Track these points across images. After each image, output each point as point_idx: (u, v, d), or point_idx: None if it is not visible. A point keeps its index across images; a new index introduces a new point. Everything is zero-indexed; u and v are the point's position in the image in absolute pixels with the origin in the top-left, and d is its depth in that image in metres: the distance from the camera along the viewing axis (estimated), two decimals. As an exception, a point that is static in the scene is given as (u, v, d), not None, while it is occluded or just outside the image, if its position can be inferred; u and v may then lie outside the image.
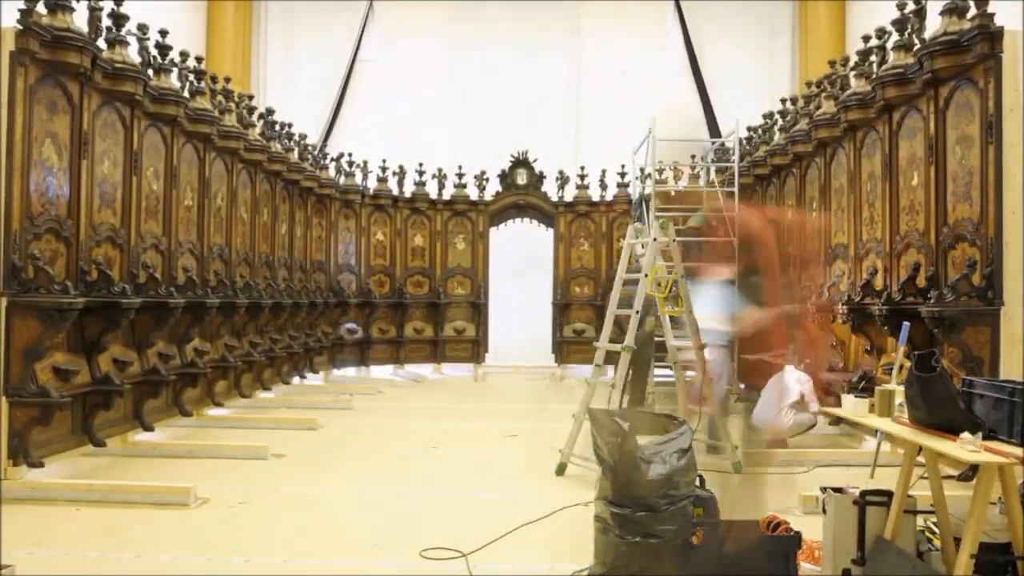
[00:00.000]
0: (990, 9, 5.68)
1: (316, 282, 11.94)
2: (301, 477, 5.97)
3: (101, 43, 6.50)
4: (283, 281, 10.66)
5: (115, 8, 6.73)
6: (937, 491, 3.90)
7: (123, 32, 6.81)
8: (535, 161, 13.91)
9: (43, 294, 5.60)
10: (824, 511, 4.01)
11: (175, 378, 7.40)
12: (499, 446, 7.16)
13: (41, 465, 5.60)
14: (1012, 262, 5.46)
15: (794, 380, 6.72)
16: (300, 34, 15.66)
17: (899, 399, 3.83)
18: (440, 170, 13.82)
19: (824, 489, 4.07)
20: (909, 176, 6.84)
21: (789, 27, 15.38)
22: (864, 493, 3.93)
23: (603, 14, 15.47)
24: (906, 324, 4.22)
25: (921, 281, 6.38)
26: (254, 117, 9.85)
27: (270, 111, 10.63)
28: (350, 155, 13.12)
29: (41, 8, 5.82)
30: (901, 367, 4.01)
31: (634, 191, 12.18)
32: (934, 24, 6.30)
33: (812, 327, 6.71)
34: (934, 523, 4.01)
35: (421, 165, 13.63)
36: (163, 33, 7.51)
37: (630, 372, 5.88)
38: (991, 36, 5.61)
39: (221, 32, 14.79)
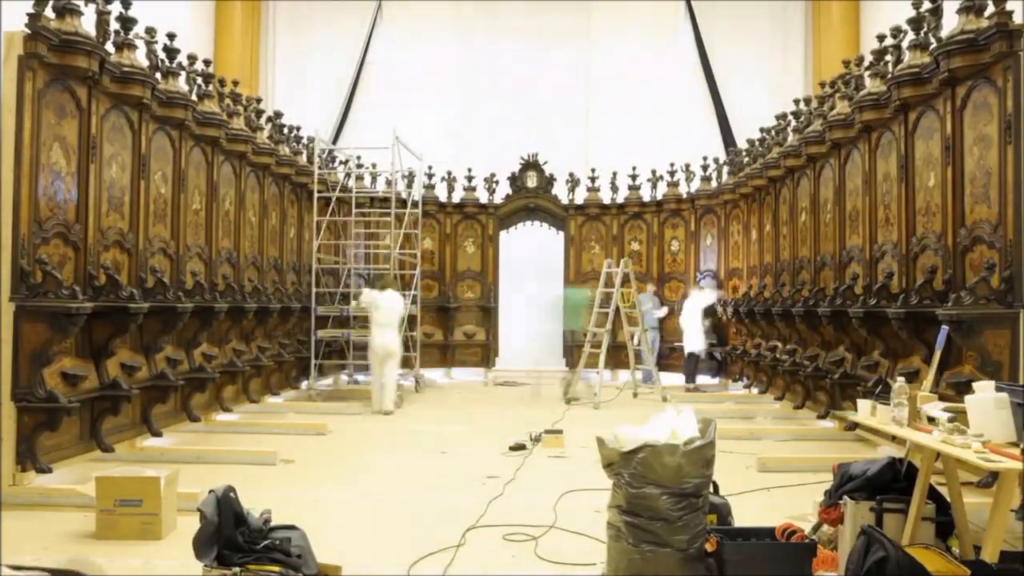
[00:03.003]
0: (1008, 7, 5.57)
1: (325, 285, 11.91)
2: (310, 482, 5.92)
3: (109, 47, 6.50)
4: (291, 285, 10.64)
5: (123, 12, 6.72)
6: (956, 498, 3.82)
7: (131, 36, 6.81)
8: (545, 164, 13.86)
9: (51, 299, 5.58)
10: (841, 519, 3.94)
11: (183, 383, 7.38)
12: (507, 451, 7.08)
13: (49, 471, 5.59)
14: (1031, 264, 5.34)
15: None
16: (309, 35, 15.66)
17: (922, 404, 3.75)
18: (449, 173, 13.79)
19: (841, 496, 3.99)
20: (925, 177, 6.74)
21: (802, 27, 15.26)
22: (881, 500, 3.86)
23: (613, 15, 15.40)
24: (944, 328, 4.12)
25: (938, 284, 6.28)
26: (262, 120, 9.85)
27: (278, 114, 10.62)
28: (359, 158, 13.10)
29: (49, 12, 5.80)
30: (940, 373, 3.91)
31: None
32: (951, 23, 6.20)
33: None
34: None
35: (430, 168, 13.60)
36: (171, 36, 7.50)
37: None
38: (1009, 34, 5.51)
39: (229, 33, 14.82)
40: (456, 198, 13.84)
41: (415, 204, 12.22)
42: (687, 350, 11.79)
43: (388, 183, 11.83)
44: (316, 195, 10.81)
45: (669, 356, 12.88)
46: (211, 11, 14.83)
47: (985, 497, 4.64)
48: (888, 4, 9.62)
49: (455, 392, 11.80)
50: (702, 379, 12.20)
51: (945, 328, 4.11)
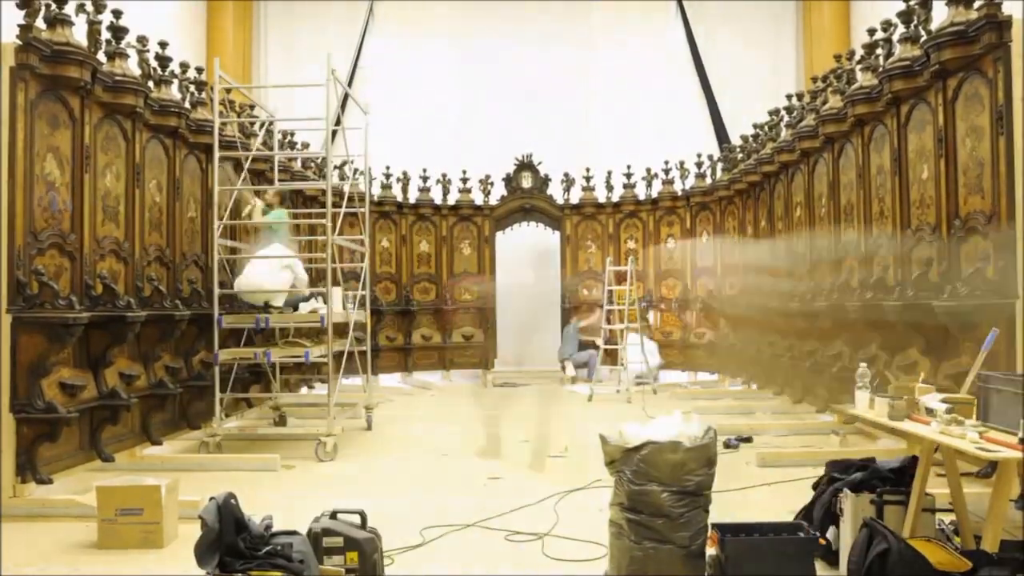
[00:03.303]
0: (997, -2, 5.59)
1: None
2: (311, 488, 5.92)
3: (101, 56, 6.50)
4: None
5: (114, 21, 6.72)
6: (955, 489, 3.84)
7: (123, 45, 6.81)
8: (540, 164, 13.86)
9: (48, 309, 5.58)
10: (840, 511, 3.95)
11: (182, 391, 7.37)
12: (509, 453, 7.09)
13: (50, 482, 5.58)
14: (1026, 254, 5.36)
15: None
16: (301, 37, 15.58)
17: (920, 395, 3.77)
18: (444, 175, 13.79)
19: (840, 488, 4.00)
20: (919, 170, 6.76)
21: (793, 24, 15.28)
22: (881, 492, 3.87)
23: (607, 15, 15.41)
24: (995, 331, 4.11)
25: (934, 276, 6.29)
26: (256, 126, 9.82)
27: (272, 119, 10.58)
28: (352, 162, 13.07)
29: (40, 23, 5.81)
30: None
31: None
32: (940, 15, 6.22)
33: None
34: (952, 522, 3.95)
35: (425, 170, 13.60)
36: (163, 45, 7.50)
37: None
38: (999, 25, 5.52)
39: (221, 35, 14.74)
40: (451, 200, 13.84)
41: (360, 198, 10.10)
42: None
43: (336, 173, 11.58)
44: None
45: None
46: (202, 11, 14.76)
47: (985, 487, 4.65)
48: (878, 4, 9.63)
49: (454, 395, 11.78)
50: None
51: (995, 331, 4.08)
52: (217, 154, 7.49)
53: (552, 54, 15.62)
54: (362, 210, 9.26)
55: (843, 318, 7.57)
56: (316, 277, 8.63)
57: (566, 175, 13.86)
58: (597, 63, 15.59)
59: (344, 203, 8.09)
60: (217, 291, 7.34)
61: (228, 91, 9.12)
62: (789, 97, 10.15)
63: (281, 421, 8.61)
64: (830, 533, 4.02)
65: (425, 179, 13.65)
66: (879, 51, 7.36)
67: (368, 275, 8.94)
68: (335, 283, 7.58)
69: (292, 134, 11.22)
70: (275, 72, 15.61)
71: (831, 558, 3.97)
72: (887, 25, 7.19)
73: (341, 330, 7.77)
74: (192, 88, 8.15)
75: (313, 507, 4.27)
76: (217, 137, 7.42)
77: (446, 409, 10.24)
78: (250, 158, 8.34)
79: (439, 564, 4.18)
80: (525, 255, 14.54)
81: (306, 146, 11.61)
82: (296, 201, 10.52)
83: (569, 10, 15.55)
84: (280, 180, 10.28)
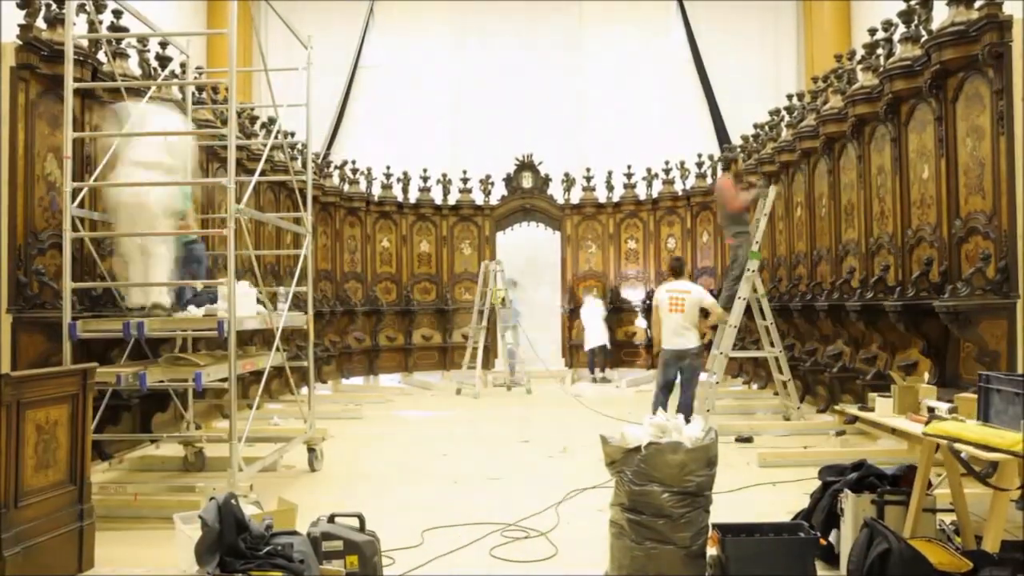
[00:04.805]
0: (997, -2, 5.59)
1: (322, 291, 11.91)
2: (310, 488, 5.92)
3: (101, 56, 6.49)
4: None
5: (114, 21, 6.71)
6: (956, 488, 3.84)
7: (123, 44, 6.80)
8: (540, 164, 13.87)
9: (48, 310, 5.58)
10: (841, 511, 3.95)
11: (183, 391, 7.34)
12: (509, 453, 7.09)
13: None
14: (1027, 254, 5.36)
15: None
16: (302, 37, 15.58)
17: (922, 396, 3.76)
18: (445, 175, 13.80)
19: (841, 488, 3.99)
20: (919, 169, 6.75)
21: (794, 25, 15.30)
22: (882, 492, 3.87)
23: (605, 14, 15.43)
24: None
25: (935, 276, 6.29)
26: (256, 126, 9.83)
27: (272, 120, 10.59)
28: (354, 162, 13.10)
29: (40, 23, 5.81)
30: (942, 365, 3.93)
31: None
32: (941, 15, 6.22)
33: None
34: (952, 522, 3.95)
35: (426, 171, 13.61)
36: (163, 45, 7.49)
37: None
38: (1000, 25, 5.52)
39: (222, 36, 14.72)
40: (452, 200, 13.85)
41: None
42: (589, 346, 12.96)
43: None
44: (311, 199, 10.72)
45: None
46: (203, 11, 14.74)
47: (986, 488, 4.65)
48: (879, 4, 9.63)
49: (454, 395, 11.77)
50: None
51: None
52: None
53: (553, 54, 15.63)
54: (302, 179, 7.84)
55: (844, 318, 7.56)
56: (214, 266, 7.25)
57: (566, 175, 13.87)
58: (598, 63, 15.60)
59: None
60: (69, 284, 5.16)
61: (227, 91, 9.10)
62: (790, 97, 10.14)
63: (196, 460, 6.34)
64: (832, 536, 4.01)
65: (425, 179, 13.66)
66: (880, 51, 7.35)
67: (311, 267, 7.19)
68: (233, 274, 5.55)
69: (292, 133, 11.21)
70: (275, 73, 15.54)
71: (832, 559, 3.96)
72: (888, 25, 7.19)
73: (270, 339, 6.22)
74: (192, 88, 8.13)
75: None
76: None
77: (445, 408, 10.24)
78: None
79: (438, 564, 4.18)
80: (526, 255, 14.53)
81: (306, 145, 11.57)
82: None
83: (570, 10, 15.56)
84: (279, 180, 10.28)
